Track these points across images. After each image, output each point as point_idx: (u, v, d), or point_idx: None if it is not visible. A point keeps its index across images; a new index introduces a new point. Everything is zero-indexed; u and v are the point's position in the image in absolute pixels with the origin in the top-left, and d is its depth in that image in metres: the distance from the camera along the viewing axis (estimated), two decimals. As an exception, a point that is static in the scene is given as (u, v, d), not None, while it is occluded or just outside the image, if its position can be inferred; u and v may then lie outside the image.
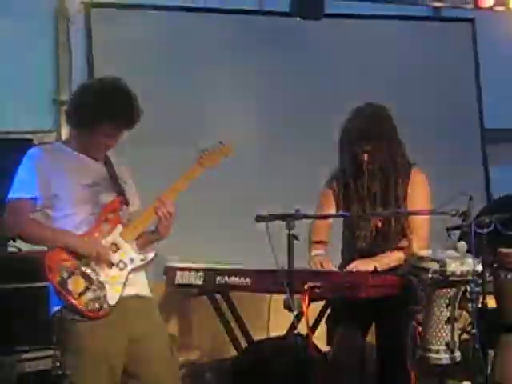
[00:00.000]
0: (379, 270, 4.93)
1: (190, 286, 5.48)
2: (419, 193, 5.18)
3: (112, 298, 4.40)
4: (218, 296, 5.52)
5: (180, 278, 5.47)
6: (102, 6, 7.68)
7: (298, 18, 7.74)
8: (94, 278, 4.38)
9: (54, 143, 5.50)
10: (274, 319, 5.90)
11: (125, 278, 4.46)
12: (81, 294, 4.32)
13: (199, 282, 5.36)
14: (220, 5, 8.27)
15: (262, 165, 8.03)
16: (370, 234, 5.17)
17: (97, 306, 4.35)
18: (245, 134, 7.75)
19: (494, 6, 8.65)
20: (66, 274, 4.32)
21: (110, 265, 4.44)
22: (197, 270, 5.38)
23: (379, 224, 5.15)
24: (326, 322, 5.22)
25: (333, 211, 5.25)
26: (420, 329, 4.56)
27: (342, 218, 5.29)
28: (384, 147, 5.07)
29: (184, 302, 5.80)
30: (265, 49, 8.20)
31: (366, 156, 5.07)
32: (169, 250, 5.43)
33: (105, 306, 4.37)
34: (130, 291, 4.50)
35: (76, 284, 4.33)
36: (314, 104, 8.25)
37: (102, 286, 4.38)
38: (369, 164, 5.08)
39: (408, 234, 5.12)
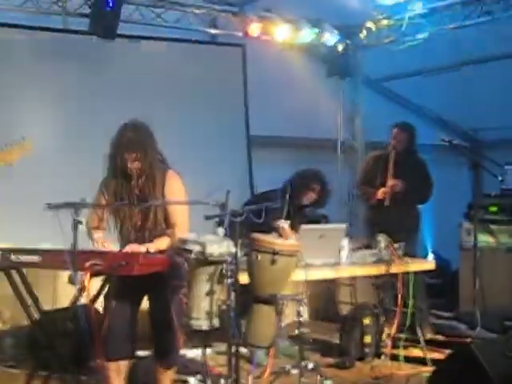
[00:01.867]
0: (151, 251, 4.88)
1: (-13, 263, 5.25)
2: (177, 189, 5.13)
3: None
4: (13, 271, 5.29)
5: (-21, 256, 5.21)
6: None
7: (94, 37, 7.61)
8: None
9: None
10: (60, 292, 5.72)
11: None
12: None
13: (-4, 259, 5.13)
14: (30, 23, 8.08)
15: (57, 159, 7.86)
16: (135, 225, 5.09)
17: None
18: (44, 132, 7.73)
19: (261, 35, 8.79)
20: None
21: None
22: (-6, 250, 5.17)
23: (140, 217, 5.07)
24: (104, 298, 5.08)
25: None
26: (185, 300, 4.56)
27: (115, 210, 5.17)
28: (147, 154, 5.00)
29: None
30: (66, 61, 8.09)
31: (132, 162, 4.98)
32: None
33: None
34: None
35: None
36: (104, 109, 8.16)
37: None
38: (135, 168, 4.99)
39: (171, 223, 5.08)
